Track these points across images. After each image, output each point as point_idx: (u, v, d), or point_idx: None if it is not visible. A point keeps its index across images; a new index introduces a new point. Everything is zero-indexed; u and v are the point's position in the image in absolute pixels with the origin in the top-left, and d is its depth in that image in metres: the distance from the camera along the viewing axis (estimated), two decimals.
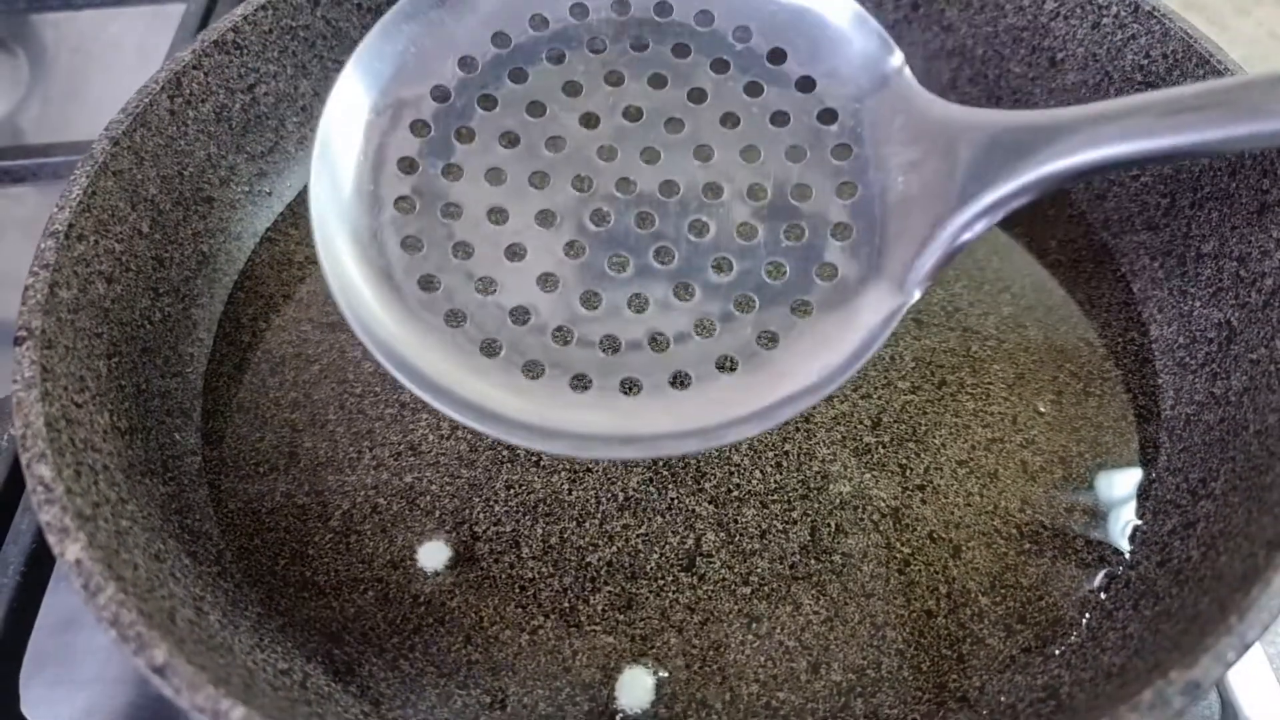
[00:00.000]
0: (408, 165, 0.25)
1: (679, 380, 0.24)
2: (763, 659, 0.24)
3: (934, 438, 0.28)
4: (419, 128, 0.26)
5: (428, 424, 0.28)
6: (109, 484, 0.23)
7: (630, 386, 0.24)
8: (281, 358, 0.30)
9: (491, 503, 0.27)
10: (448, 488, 0.27)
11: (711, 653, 0.24)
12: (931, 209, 0.24)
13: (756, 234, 0.25)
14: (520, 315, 0.24)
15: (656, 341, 0.24)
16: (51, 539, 0.20)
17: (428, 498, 0.27)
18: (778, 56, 0.27)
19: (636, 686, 0.24)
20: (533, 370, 0.24)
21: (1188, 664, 0.19)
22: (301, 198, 0.33)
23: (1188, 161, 0.29)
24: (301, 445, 0.28)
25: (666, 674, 0.24)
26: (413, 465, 0.27)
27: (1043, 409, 0.28)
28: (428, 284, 0.24)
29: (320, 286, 0.31)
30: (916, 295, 0.24)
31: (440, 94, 0.26)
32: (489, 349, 0.24)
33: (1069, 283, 0.31)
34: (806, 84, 0.26)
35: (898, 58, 0.26)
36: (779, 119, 0.26)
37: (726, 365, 0.24)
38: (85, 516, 0.21)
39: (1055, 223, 0.32)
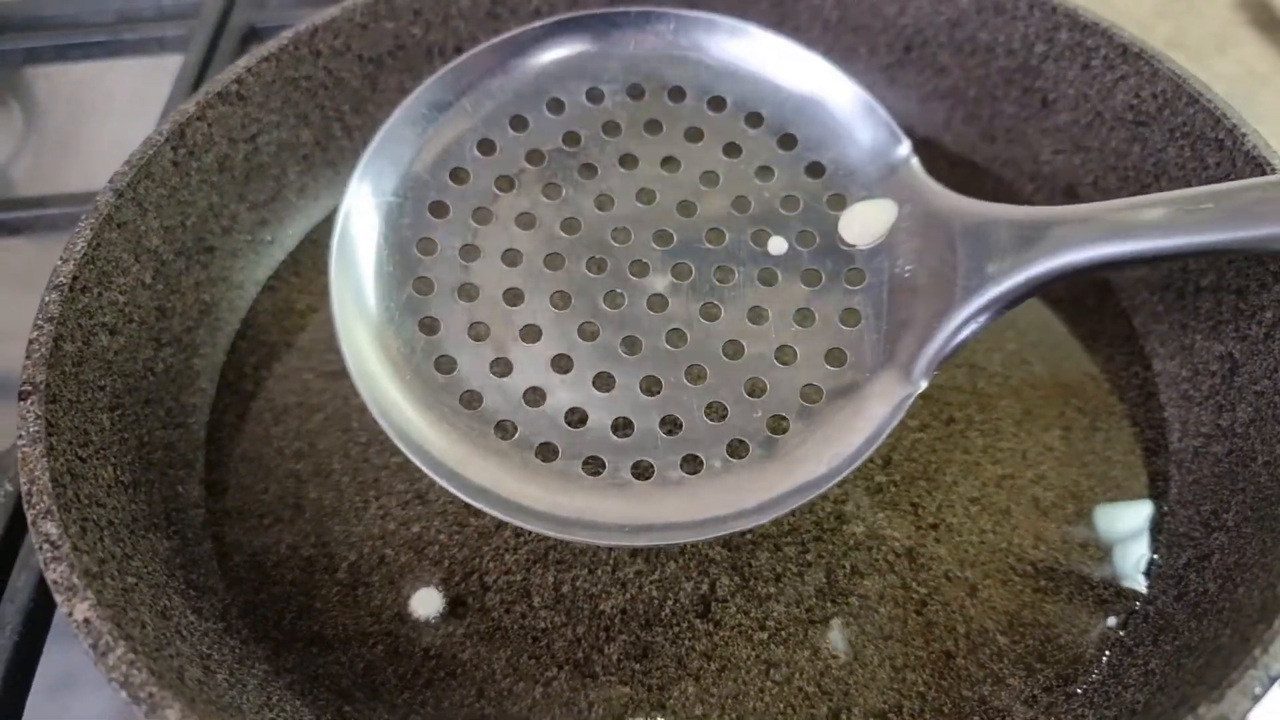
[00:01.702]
0: (427, 246, 0.25)
1: (691, 464, 0.24)
2: (782, 706, 0.24)
3: (945, 475, 0.27)
4: (438, 209, 0.26)
5: None
6: (114, 540, 0.23)
7: (643, 470, 0.24)
8: (284, 407, 0.29)
9: (501, 551, 0.26)
10: (456, 537, 0.27)
11: (730, 701, 0.24)
12: (937, 300, 0.24)
13: (767, 318, 0.25)
14: (535, 397, 0.24)
15: (669, 424, 0.24)
16: (59, 597, 0.20)
17: (436, 547, 0.26)
18: (788, 142, 0.27)
19: None
20: (547, 453, 0.24)
21: (1214, 699, 0.19)
22: (303, 245, 0.33)
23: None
24: (306, 496, 0.28)
25: None
26: (420, 515, 0.27)
27: (1052, 444, 0.28)
28: (444, 366, 0.24)
29: (323, 334, 0.31)
30: (923, 385, 0.24)
31: (459, 176, 0.26)
32: (504, 431, 0.24)
33: (1071, 318, 0.31)
34: (816, 169, 0.27)
35: (905, 147, 0.26)
36: (789, 204, 0.27)
37: (738, 451, 0.24)
38: (92, 574, 0.21)
39: None
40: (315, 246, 0.33)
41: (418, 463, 0.23)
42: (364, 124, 0.34)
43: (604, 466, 0.24)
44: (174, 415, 0.28)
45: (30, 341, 0.24)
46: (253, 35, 0.43)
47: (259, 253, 0.32)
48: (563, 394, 0.24)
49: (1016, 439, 0.28)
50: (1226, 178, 0.27)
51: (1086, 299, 0.31)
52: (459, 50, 0.35)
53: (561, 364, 0.25)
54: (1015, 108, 0.34)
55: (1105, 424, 0.29)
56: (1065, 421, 0.29)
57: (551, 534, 0.23)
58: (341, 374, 0.30)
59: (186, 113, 0.29)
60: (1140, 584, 0.26)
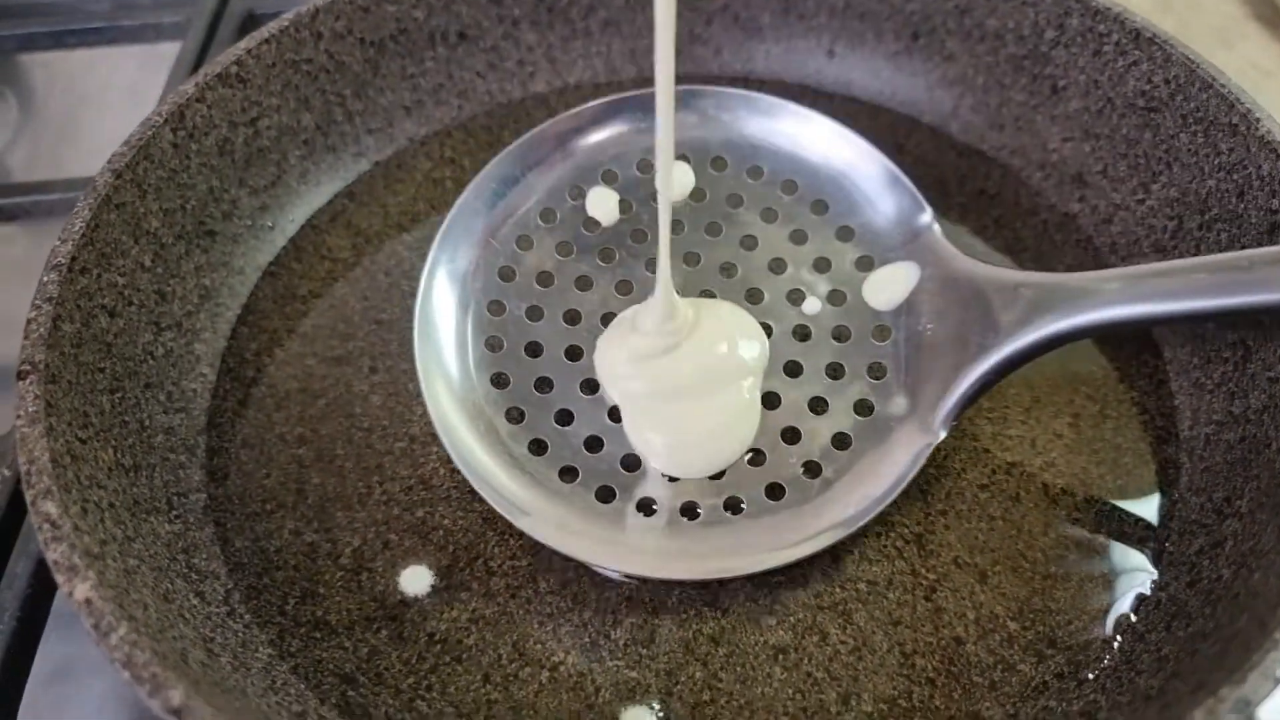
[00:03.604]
0: (496, 308, 0.28)
1: (733, 506, 0.25)
2: (790, 691, 0.24)
3: (953, 462, 0.27)
4: (506, 274, 0.28)
5: (438, 457, 0.27)
6: (115, 522, 0.22)
7: (689, 510, 0.25)
8: (286, 393, 0.29)
9: (506, 536, 0.26)
10: (460, 522, 0.26)
11: (738, 686, 0.24)
12: (956, 356, 0.26)
13: (801, 371, 0.27)
14: (594, 444, 0.26)
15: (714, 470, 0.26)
16: (60, 578, 0.19)
17: (440, 532, 0.26)
18: (820, 208, 0.29)
19: None
20: (605, 495, 0.26)
21: (1236, 681, 0.19)
22: (304, 231, 0.33)
23: (1199, 211, 0.29)
24: (309, 481, 0.27)
25: (677, 712, 0.23)
26: (424, 500, 0.27)
27: (1061, 432, 0.28)
28: (514, 416, 0.27)
29: (325, 320, 0.31)
30: (942, 435, 0.25)
31: (524, 243, 0.29)
32: (568, 475, 0.26)
33: None
34: (846, 233, 0.29)
35: (927, 215, 0.28)
36: (821, 265, 0.29)
37: (775, 494, 0.25)
38: (93, 555, 0.20)
39: (1062, 248, 0.32)
40: (317, 233, 0.33)
41: (496, 506, 0.25)
42: (365, 108, 0.34)
43: (656, 508, 0.25)
44: (175, 400, 0.28)
45: (29, 321, 0.23)
46: (251, 21, 0.43)
47: (260, 238, 0.32)
48: (618, 442, 0.26)
49: (1025, 426, 0.28)
50: (1239, 164, 0.27)
51: None
52: (461, 35, 0.35)
53: (617, 415, 0.26)
54: (1024, 95, 0.33)
55: (1115, 412, 0.28)
56: (1074, 409, 0.28)
57: (611, 565, 0.25)
58: (344, 360, 0.30)
59: (186, 94, 0.29)
60: (1151, 570, 0.25)
